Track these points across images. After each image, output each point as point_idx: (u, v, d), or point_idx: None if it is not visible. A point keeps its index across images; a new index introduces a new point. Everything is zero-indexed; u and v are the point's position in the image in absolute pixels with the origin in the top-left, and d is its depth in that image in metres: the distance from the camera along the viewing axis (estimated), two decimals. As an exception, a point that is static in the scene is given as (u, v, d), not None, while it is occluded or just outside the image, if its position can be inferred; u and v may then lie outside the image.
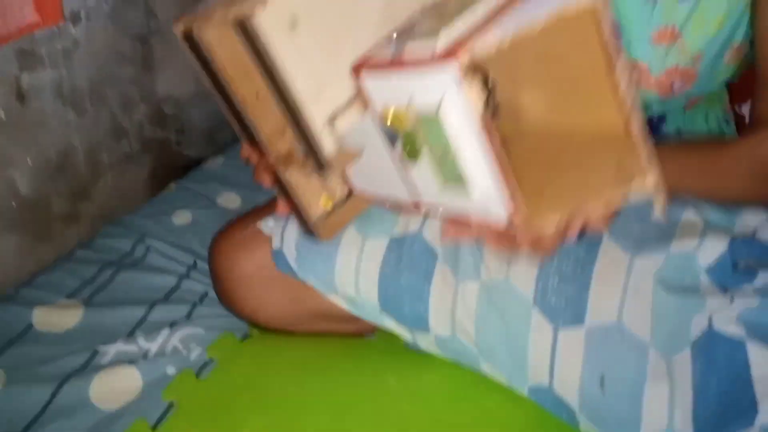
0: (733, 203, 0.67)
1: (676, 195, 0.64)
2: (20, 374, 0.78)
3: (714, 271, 0.64)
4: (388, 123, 0.50)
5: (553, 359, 0.67)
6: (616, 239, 0.67)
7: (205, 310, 0.91)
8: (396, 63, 0.46)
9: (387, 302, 0.76)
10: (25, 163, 0.94)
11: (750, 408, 0.54)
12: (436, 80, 0.43)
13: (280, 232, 0.81)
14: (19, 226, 0.95)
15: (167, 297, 0.93)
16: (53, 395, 0.75)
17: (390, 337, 0.87)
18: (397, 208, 0.62)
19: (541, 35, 0.44)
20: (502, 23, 0.43)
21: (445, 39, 0.43)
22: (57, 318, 0.87)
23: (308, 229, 0.67)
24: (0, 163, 0.91)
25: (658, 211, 0.49)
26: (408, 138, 0.49)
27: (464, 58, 0.41)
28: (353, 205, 0.67)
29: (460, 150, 0.47)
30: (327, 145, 0.55)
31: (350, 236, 0.77)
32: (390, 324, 0.78)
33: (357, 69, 0.51)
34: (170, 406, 0.75)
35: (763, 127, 0.67)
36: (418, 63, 0.44)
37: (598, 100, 0.47)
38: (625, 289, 0.65)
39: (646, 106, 0.74)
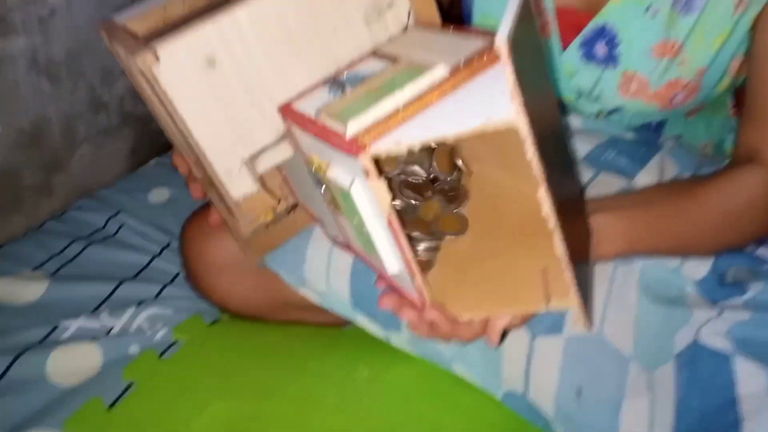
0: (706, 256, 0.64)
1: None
2: (-27, 345, 0.75)
3: (702, 283, 0.62)
4: (313, 169, 0.48)
5: (528, 367, 0.64)
6: None
7: (175, 291, 0.88)
8: (316, 126, 0.45)
9: (359, 299, 0.72)
10: (-5, 130, 0.91)
11: (733, 427, 0.52)
12: (348, 162, 0.43)
13: None
14: (-13, 194, 0.92)
15: (137, 275, 0.90)
16: (7, 368, 0.72)
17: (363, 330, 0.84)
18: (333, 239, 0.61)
19: (460, 142, 0.43)
20: (419, 120, 0.41)
21: (356, 125, 0.41)
22: (19, 290, 0.84)
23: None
24: (-31, 128, 0.87)
25: (579, 326, 0.49)
26: (330, 190, 0.48)
27: (366, 158, 0.40)
28: (291, 224, 0.64)
29: (372, 230, 0.46)
30: (238, 188, 0.53)
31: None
32: (362, 321, 0.75)
33: (284, 112, 0.50)
34: (129, 385, 0.71)
35: (738, 165, 0.63)
36: (333, 138, 0.43)
37: (534, 219, 0.45)
38: (607, 298, 0.62)
39: (645, 115, 0.72)
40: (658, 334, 0.60)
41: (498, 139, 0.38)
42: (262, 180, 0.55)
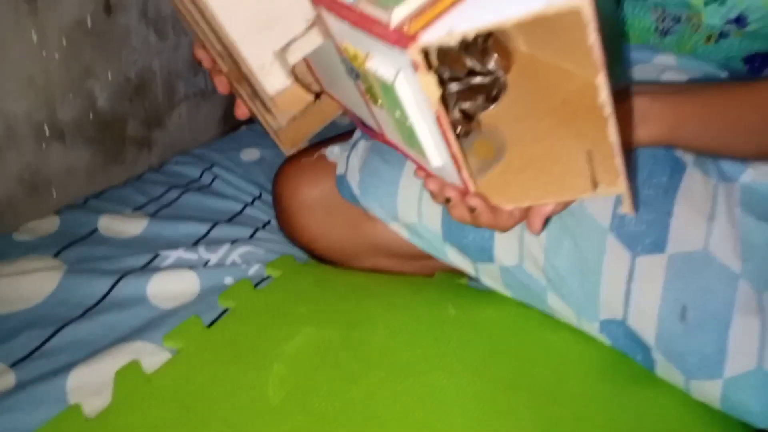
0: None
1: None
2: (80, 267, 0.78)
3: None
4: (348, 57, 0.45)
5: (629, 288, 0.62)
6: (701, 167, 0.63)
7: (267, 235, 0.90)
8: (354, 13, 0.41)
9: (450, 230, 0.72)
10: (105, 76, 0.96)
11: None
12: (392, 54, 0.39)
13: (345, 159, 0.80)
14: (94, 142, 0.97)
15: (231, 220, 0.93)
16: (111, 288, 0.75)
17: (451, 278, 0.84)
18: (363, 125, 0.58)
19: (518, 28, 0.39)
20: (470, 4, 0.37)
21: (402, 12, 0.37)
22: (122, 225, 0.88)
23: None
24: (82, 72, 0.92)
25: (625, 209, 0.46)
26: (367, 80, 0.45)
27: (415, 50, 0.37)
28: (319, 113, 0.61)
29: (416, 124, 0.44)
30: (272, 82, 0.51)
31: None
32: (452, 255, 0.75)
33: None
34: (225, 311, 0.73)
35: None
36: (374, 27, 0.39)
37: (578, 103, 0.44)
38: (712, 216, 0.60)
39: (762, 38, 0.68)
40: (767, 251, 0.57)
41: (554, 22, 0.36)
42: (294, 73, 0.52)
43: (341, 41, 0.45)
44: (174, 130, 1.12)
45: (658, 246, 0.61)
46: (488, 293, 0.78)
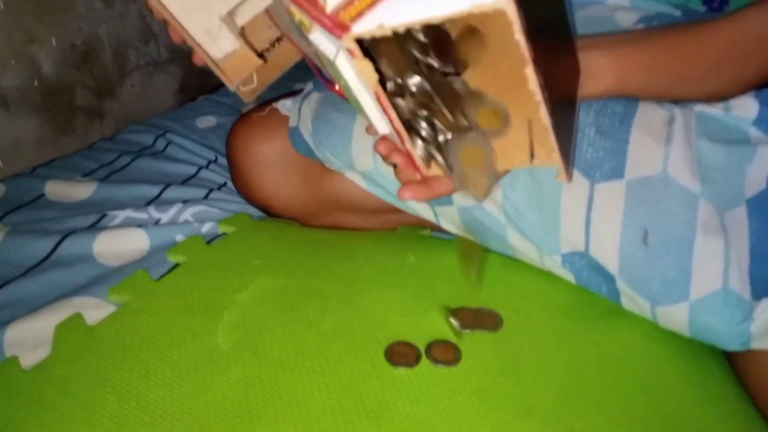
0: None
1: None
2: (23, 228, 0.75)
3: (759, 122, 0.58)
4: (296, 21, 0.45)
5: (588, 217, 0.60)
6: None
7: (223, 196, 0.87)
8: None
9: None
10: (50, 42, 0.92)
11: None
12: (331, 35, 0.40)
13: (297, 110, 0.77)
14: (41, 110, 0.93)
15: (184, 182, 0.90)
16: (55, 247, 0.72)
17: (413, 230, 0.82)
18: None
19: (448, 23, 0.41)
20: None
21: None
22: (69, 190, 0.84)
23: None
24: (25, 38, 0.88)
25: (560, 178, 0.48)
26: (314, 45, 0.45)
27: (348, 41, 0.38)
28: (279, 60, 0.61)
29: (359, 97, 0.44)
30: (220, 46, 0.51)
31: None
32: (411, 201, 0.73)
33: None
34: (176, 266, 0.70)
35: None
36: (312, 8, 0.40)
37: (511, 83, 0.45)
38: (668, 140, 0.59)
39: None
40: (726, 173, 0.56)
41: (481, 20, 0.38)
42: (243, 35, 0.52)
43: (288, 4, 0.45)
44: (127, 100, 1.08)
45: (616, 172, 0.59)
46: (450, 241, 0.76)
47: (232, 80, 0.55)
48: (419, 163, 0.50)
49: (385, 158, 0.53)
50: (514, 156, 0.48)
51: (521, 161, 0.48)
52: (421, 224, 0.81)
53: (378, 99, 0.42)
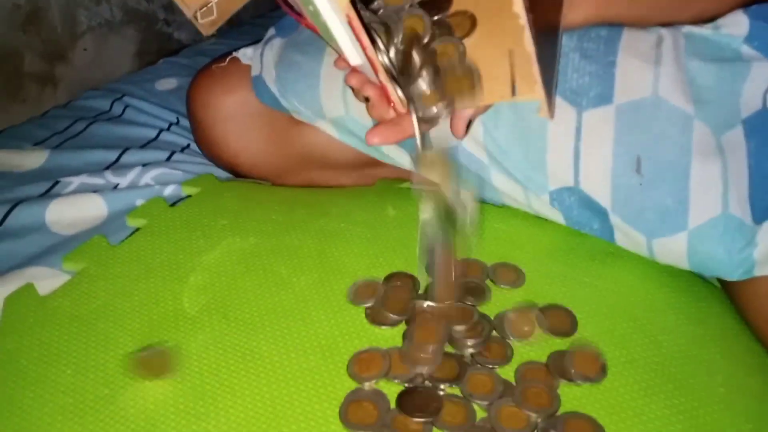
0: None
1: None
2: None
3: (750, 38, 0.54)
4: None
5: (577, 148, 0.56)
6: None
7: (186, 158, 0.82)
8: None
9: None
10: (-11, 2, 0.86)
11: None
12: None
13: (259, 57, 0.72)
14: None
15: (144, 146, 0.84)
16: (3, 218, 0.66)
17: (392, 183, 0.77)
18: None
19: None
20: None
21: None
22: (18, 159, 0.78)
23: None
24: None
25: (542, 114, 0.47)
26: None
27: None
28: None
29: (329, 22, 0.42)
30: None
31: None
32: (387, 148, 0.68)
33: None
34: (136, 230, 0.65)
35: None
36: None
37: (495, 7, 0.44)
38: (657, 61, 0.54)
39: None
40: (719, 92, 0.52)
41: None
42: None
43: None
44: (81, 65, 1.02)
45: (604, 98, 0.55)
46: (430, 191, 0.71)
47: (189, 6, 0.50)
48: (393, 97, 0.46)
49: (356, 92, 0.49)
50: (495, 90, 0.47)
51: (502, 95, 0.47)
52: (401, 177, 0.77)
53: (350, 23, 0.40)
